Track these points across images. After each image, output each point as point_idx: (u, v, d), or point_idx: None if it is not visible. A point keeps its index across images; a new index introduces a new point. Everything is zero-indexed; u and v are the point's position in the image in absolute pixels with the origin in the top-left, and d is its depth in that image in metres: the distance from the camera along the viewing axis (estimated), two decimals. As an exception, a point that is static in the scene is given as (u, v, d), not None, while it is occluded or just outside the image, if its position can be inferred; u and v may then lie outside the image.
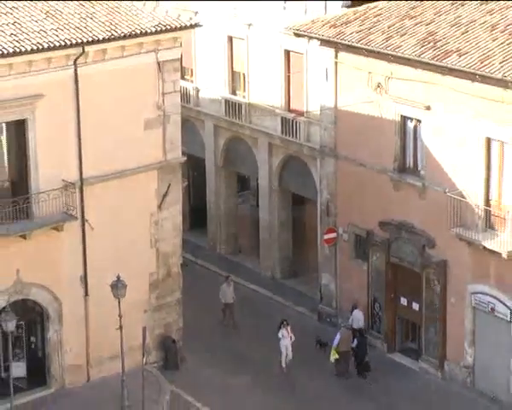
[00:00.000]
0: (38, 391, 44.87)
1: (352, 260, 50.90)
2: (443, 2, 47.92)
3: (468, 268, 45.34)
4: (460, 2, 47.64)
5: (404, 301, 49.23)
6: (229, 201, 60.58)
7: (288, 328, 47.69)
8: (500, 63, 42.33)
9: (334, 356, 48.10)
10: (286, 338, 47.45)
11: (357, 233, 50.33)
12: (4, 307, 42.84)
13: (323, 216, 52.48)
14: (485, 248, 43.84)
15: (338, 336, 48.75)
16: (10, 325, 41.43)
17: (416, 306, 48.58)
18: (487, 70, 42.39)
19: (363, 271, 50.36)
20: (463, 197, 44.62)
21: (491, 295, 44.65)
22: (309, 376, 48.17)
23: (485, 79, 42.59)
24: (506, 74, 41.60)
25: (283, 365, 47.80)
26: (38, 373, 45.18)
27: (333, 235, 51.43)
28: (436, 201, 45.73)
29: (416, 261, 47.66)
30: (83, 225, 44.71)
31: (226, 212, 60.60)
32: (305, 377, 48.14)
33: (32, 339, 45.42)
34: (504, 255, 42.93)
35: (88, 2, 45.61)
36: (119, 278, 43.11)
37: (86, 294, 45.31)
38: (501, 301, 44.23)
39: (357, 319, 49.28)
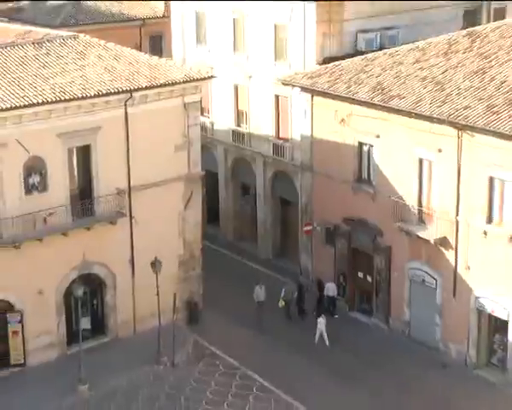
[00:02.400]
0: (99, 339, 45.14)
1: (323, 245, 50.64)
2: (387, 61, 47.80)
3: (406, 251, 45.51)
4: (399, 61, 47.54)
5: (360, 275, 49.11)
6: (235, 203, 60.24)
7: (324, 318, 46.29)
8: (429, 105, 42.80)
9: (281, 304, 48.70)
10: (322, 324, 45.98)
11: (327, 226, 49.95)
12: (75, 279, 43.30)
13: (303, 214, 52.51)
14: (418, 236, 44.06)
15: (283, 290, 49.44)
16: (79, 292, 41.59)
17: (369, 278, 48.57)
18: (419, 110, 42.87)
19: (331, 253, 50.09)
20: (403, 201, 44.83)
21: (422, 270, 44.92)
22: (278, 320, 48.74)
23: (418, 116, 42.93)
24: (433, 113, 42.39)
25: (316, 341, 46.32)
26: (99, 326, 45.37)
27: (310, 227, 51.38)
28: (383, 203, 45.72)
29: (369, 247, 47.78)
30: (130, 220, 44.78)
31: (233, 211, 60.26)
32: (279, 321, 48.61)
33: (95, 302, 45.46)
34: (432, 242, 43.29)
35: (135, 61, 45.74)
36: (156, 258, 43.50)
37: (133, 269, 45.36)
38: (429, 274, 44.60)
39: (331, 289, 49.01)
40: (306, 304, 50.08)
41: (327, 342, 45.92)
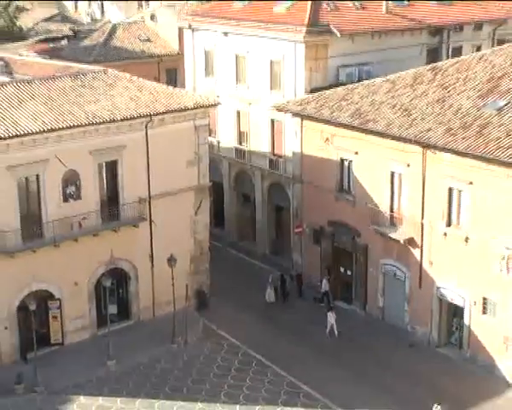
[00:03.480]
0: (124, 322, 45.11)
1: (311, 244, 50.50)
2: (364, 91, 47.81)
3: (380, 249, 45.57)
4: (374, 91, 47.37)
5: (342, 269, 49.00)
6: (237, 209, 59.97)
7: (333, 312, 45.55)
8: (398, 127, 43.04)
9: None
10: (332, 318, 45.06)
11: (314, 228, 49.84)
12: (104, 273, 43.44)
13: (294, 217, 52.50)
14: (390, 237, 44.18)
15: (270, 277, 50.41)
16: (107, 283, 42.00)
17: (349, 272, 48.52)
18: (391, 131, 43.08)
19: (318, 251, 49.95)
20: (377, 207, 45.04)
21: (394, 265, 45.03)
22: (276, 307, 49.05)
23: (389, 137, 43.15)
24: (402, 134, 42.49)
25: (332, 334, 45.19)
26: (124, 312, 45.45)
27: (300, 229, 51.22)
28: (361, 209, 45.83)
29: (349, 245, 47.75)
30: (150, 223, 44.77)
31: (235, 215, 59.95)
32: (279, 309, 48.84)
33: (120, 291, 45.51)
34: (401, 241, 43.43)
35: (154, 91, 45.74)
36: (172, 255, 43.65)
37: (152, 264, 45.31)
38: (399, 269, 44.76)
39: (325, 285, 48.57)
40: (289, 290, 50.56)
41: (336, 333, 44.94)
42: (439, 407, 36.16)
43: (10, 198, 40.01)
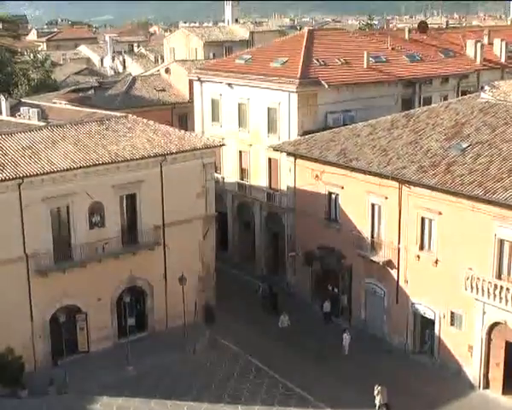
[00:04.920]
0: (141, 333, 44.56)
1: (303, 265, 50.18)
2: (348, 133, 47.89)
3: (362, 270, 45.41)
4: (357, 133, 47.54)
5: (330, 287, 48.52)
6: (239, 235, 59.69)
7: (348, 333, 43.73)
8: (377, 165, 43.40)
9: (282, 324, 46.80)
10: (347, 338, 43.45)
11: (306, 252, 49.40)
12: (124, 290, 43.23)
13: (288, 242, 52.28)
14: (371, 259, 44.12)
15: (261, 288, 50.86)
16: (127, 298, 42.08)
17: (336, 290, 48.25)
18: (371, 169, 43.29)
19: (309, 271, 49.71)
20: (360, 234, 45.02)
21: (374, 284, 44.90)
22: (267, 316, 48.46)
23: (370, 173, 43.29)
24: (380, 171, 42.67)
25: (344, 351, 43.48)
26: (141, 324, 44.94)
27: (293, 253, 51.08)
28: (346, 235, 45.67)
29: (335, 267, 47.50)
30: (164, 247, 44.57)
31: (238, 240, 59.72)
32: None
33: (138, 306, 44.96)
34: (381, 263, 43.44)
35: (167, 133, 45.73)
36: (182, 274, 43.60)
37: (165, 283, 45.00)
38: (379, 287, 44.67)
39: (327, 306, 47.66)
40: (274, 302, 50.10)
41: (346, 352, 43.35)
42: (379, 387, 36.55)
43: (45, 225, 40.06)
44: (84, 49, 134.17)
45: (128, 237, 43.41)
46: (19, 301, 39.81)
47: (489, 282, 37.55)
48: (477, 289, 38.06)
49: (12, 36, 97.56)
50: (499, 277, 37.72)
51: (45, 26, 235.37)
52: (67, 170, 40.10)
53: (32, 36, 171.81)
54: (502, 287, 37.10)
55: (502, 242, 37.43)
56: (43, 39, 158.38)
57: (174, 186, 44.40)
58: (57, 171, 39.75)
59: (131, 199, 43.45)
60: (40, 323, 40.88)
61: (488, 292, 37.60)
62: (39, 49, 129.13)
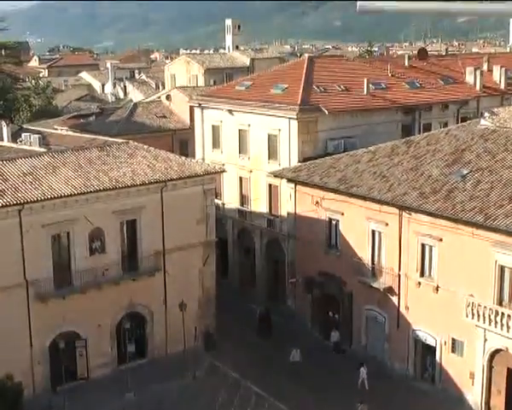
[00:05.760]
0: (141, 359, 44.35)
1: (303, 292, 49.90)
2: (349, 160, 48.06)
3: (363, 296, 45.28)
4: (357, 160, 47.54)
5: (330, 313, 48.44)
6: (239, 261, 59.64)
7: (365, 367, 42.49)
8: (378, 192, 43.41)
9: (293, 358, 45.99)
10: (364, 373, 42.29)
11: (306, 278, 49.30)
12: (124, 316, 43.32)
13: (289, 268, 52.15)
14: (371, 286, 44.06)
15: (258, 311, 50.61)
16: (127, 325, 42.06)
17: (337, 316, 48.01)
18: (372, 195, 43.37)
19: (309, 298, 49.51)
20: (361, 260, 44.95)
21: (375, 311, 44.77)
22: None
23: (370, 200, 43.31)
24: (381, 198, 42.73)
25: (362, 386, 42.09)
26: (141, 350, 44.91)
27: (294, 279, 50.85)
28: (347, 262, 45.59)
29: (336, 293, 47.38)
30: (164, 273, 44.55)
31: (238, 266, 59.50)
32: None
33: (138, 332, 44.53)
34: (381, 290, 43.35)
35: (168, 160, 45.82)
36: (182, 301, 43.66)
37: (166, 309, 44.92)
38: (379, 313, 44.50)
39: (334, 335, 47.39)
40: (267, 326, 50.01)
41: (367, 387, 41.93)
42: (360, 405, 36.36)
43: (45, 252, 40.09)
44: (85, 76, 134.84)
45: (128, 263, 43.45)
46: (18, 327, 39.74)
47: (490, 309, 37.45)
48: (478, 315, 37.95)
49: (14, 62, 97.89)
50: (500, 303, 37.62)
51: (47, 53, 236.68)
52: (68, 196, 40.22)
53: (34, 62, 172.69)
54: (503, 314, 36.99)
55: (502, 268, 37.38)
56: (45, 66, 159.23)
57: (174, 212, 44.47)
58: (58, 197, 39.87)
59: (132, 225, 43.52)
60: (39, 349, 40.76)
61: (489, 319, 37.48)
62: (41, 75, 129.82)
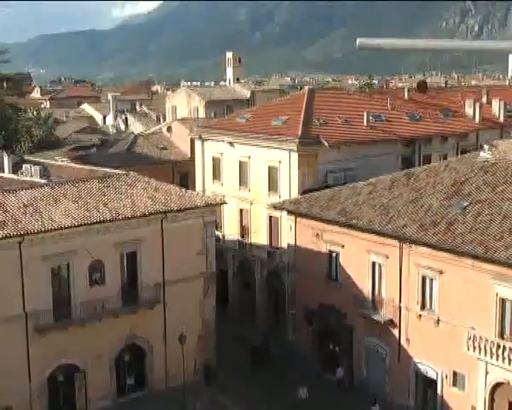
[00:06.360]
0: (140, 392, 44.43)
1: (304, 324, 49.63)
2: (349, 192, 48.09)
3: (363, 329, 45.15)
4: (357, 192, 47.47)
5: (331, 346, 48.16)
6: (239, 292, 59.53)
7: (377, 405, 42.43)
8: (378, 224, 43.53)
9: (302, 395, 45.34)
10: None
11: (306, 309, 49.16)
12: (123, 348, 43.11)
13: (289, 301, 52.00)
14: (372, 318, 43.99)
15: (260, 339, 50.70)
16: (126, 357, 41.67)
17: (337, 348, 47.77)
18: (372, 227, 43.39)
19: (309, 330, 49.25)
20: (361, 292, 44.86)
21: (376, 343, 44.61)
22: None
23: (371, 232, 43.32)
24: (381, 230, 42.79)
25: None
26: (140, 382, 44.74)
27: (294, 311, 50.65)
28: (347, 294, 45.43)
29: (336, 326, 47.14)
30: (164, 306, 44.43)
31: (238, 298, 59.49)
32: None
33: (137, 364, 44.30)
34: (382, 322, 43.25)
35: (168, 191, 45.79)
36: (182, 333, 43.47)
37: (165, 341, 44.72)
38: (380, 346, 44.35)
39: (340, 372, 46.71)
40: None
41: None
42: None
43: (44, 283, 40.03)
44: (86, 108, 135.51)
45: (128, 295, 43.32)
46: (17, 359, 39.56)
47: (491, 341, 37.32)
48: (479, 348, 37.80)
49: (16, 94, 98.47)
50: (502, 336, 37.48)
51: (48, 85, 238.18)
52: (68, 228, 40.25)
53: (36, 94, 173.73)
54: (505, 347, 36.85)
55: (503, 301, 37.32)
56: (47, 97, 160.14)
57: (175, 244, 44.48)
58: (58, 228, 39.91)
59: (132, 257, 43.51)
60: (38, 382, 40.55)
61: (491, 352, 37.34)
62: (42, 106, 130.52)
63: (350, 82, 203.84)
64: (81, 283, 41.31)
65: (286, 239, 52.30)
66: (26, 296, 39.31)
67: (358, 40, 9.35)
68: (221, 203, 49.10)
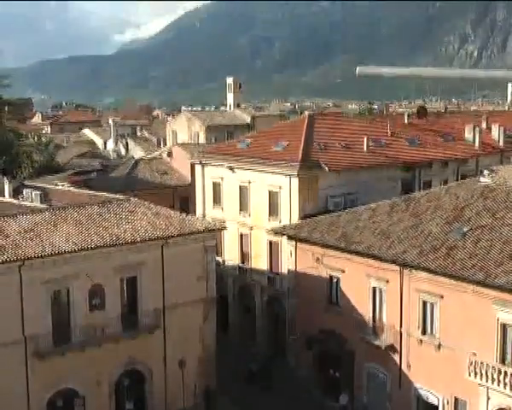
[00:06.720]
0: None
1: (304, 349, 49.36)
2: (349, 217, 48.20)
3: (365, 354, 45.07)
4: (357, 217, 47.74)
5: (331, 371, 48.09)
6: (240, 317, 59.36)
7: None
8: (379, 249, 43.36)
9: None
10: None
11: (307, 335, 48.85)
12: (123, 373, 42.77)
13: (290, 326, 51.94)
14: (372, 343, 43.90)
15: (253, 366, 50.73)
16: (126, 382, 41.42)
17: (338, 373, 47.70)
18: (372, 252, 43.51)
19: (310, 355, 49.12)
20: (362, 317, 44.78)
21: (376, 368, 44.54)
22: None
23: (371, 257, 43.39)
24: (382, 255, 42.74)
25: None
26: (140, 408, 44.18)
27: (294, 337, 50.49)
28: (348, 319, 45.48)
29: (337, 351, 47.02)
30: (164, 330, 44.00)
31: (238, 323, 59.47)
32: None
33: (137, 389, 44.16)
34: (383, 347, 43.24)
35: (169, 216, 45.83)
36: (182, 358, 43.48)
37: (165, 366, 44.30)
38: (381, 371, 44.26)
39: (343, 398, 46.49)
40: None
41: None
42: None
43: (44, 308, 39.89)
44: (87, 132, 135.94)
45: (128, 320, 43.13)
46: (16, 384, 39.34)
47: (493, 367, 37.23)
48: (481, 374, 37.72)
49: (17, 119, 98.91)
50: (503, 362, 37.42)
51: (50, 110, 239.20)
52: (68, 252, 40.24)
53: (37, 119, 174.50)
54: (506, 372, 36.76)
55: (504, 326, 37.28)
56: (48, 122, 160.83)
57: (175, 269, 44.42)
58: (58, 253, 39.87)
59: (132, 281, 43.38)
60: (37, 407, 40.22)
61: (492, 378, 37.24)
62: (43, 131, 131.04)
63: (350, 107, 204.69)
64: (81, 307, 41.20)
65: (286, 264, 52.32)
66: (25, 321, 39.15)
67: (358, 68, 9.47)
68: (221, 228, 49.14)
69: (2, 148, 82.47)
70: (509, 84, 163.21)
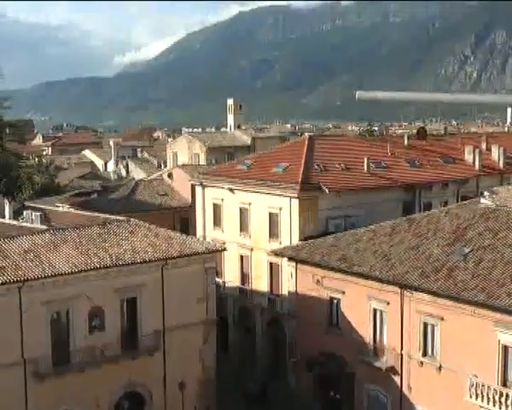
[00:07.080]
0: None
1: (304, 371, 49.08)
2: (349, 239, 48.04)
3: (365, 376, 44.63)
4: (358, 239, 47.68)
5: (332, 393, 47.66)
6: (240, 339, 59.10)
7: None
8: (379, 271, 43.46)
9: None
10: None
11: (307, 357, 48.43)
12: (122, 395, 42.65)
13: (290, 348, 51.56)
14: (373, 365, 43.67)
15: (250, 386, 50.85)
16: (126, 404, 41.56)
17: (338, 395, 47.29)
18: (373, 274, 43.35)
19: (310, 377, 48.65)
20: (362, 339, 44.57)
21: (377, 390, 44.23)
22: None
23: (372, 279, 43.33)
24: (382, 277, 42.96)
25: None
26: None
27: (295, 359, 50.34)
28: (348, 341, 45.20)
29: (337, 373, 46.65)
30: (164, 352, 43.86)
31: (239, 344, 59.09)
32: None
33: (138, 409, 43.52)
34: (383, 369, 42.96)
35: (169, 237, 45.82)
36: (182, 381, 43.26)
37: (165, 388, 44.11)
38: (382, 393, 44.00)
39: None
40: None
41: None
42: None
43: (44, 329, 39.75)
44: (88, 154, 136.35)
45: (127, 342, 42.91)
46: (15, 405, 39.07)
47: (494, 389, 37.07)
48: (482, 396, 37.55)
49: (18, 140, 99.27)
50: (504, 384, 37.25)
51: (50, 131, 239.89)
52: (68, 274, 40.14)
53: (38, 140, 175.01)
54: (507, 395, 36.61)
55: (506, 348, 37.16)
56: (49, 143, 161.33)
57: (175, 290, 44.25)
58: (58, 274, 39.78)
59: (132, 303, 43.19)
60: (36, 430, 40.06)
61: (493, 400, 37.08)
62: (44, 153, 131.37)
63: (350, 128, 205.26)
64: (81, 329, 41.04)
65: (287, 286, 52.13)
66: (24, 342, 38.97)
67: (358, 93, 9.58)
68: (221, 250, 49.12)
69: (2, 169, 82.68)
70: (509, 108, 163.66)
